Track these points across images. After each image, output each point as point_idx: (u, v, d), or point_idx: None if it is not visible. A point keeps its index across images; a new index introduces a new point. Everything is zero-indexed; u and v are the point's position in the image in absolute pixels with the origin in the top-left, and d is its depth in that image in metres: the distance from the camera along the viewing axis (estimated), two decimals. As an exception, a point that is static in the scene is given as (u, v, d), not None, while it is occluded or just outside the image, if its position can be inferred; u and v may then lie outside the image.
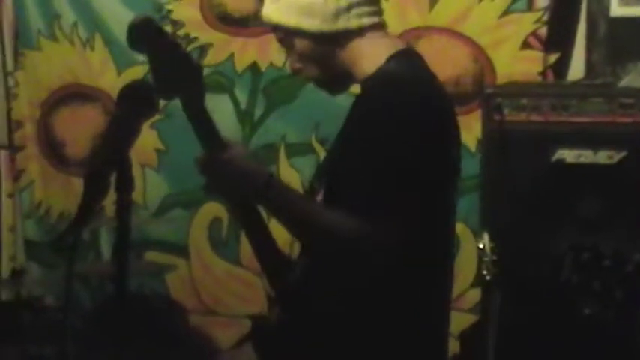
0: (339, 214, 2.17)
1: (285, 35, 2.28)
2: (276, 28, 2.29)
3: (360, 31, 2.25)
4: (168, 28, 2.18)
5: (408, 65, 2.24)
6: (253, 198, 2.19)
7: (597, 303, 2.93)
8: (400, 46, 2.30)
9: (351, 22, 2.25)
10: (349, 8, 2.24)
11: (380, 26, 2.28)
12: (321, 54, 2.28)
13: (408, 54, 2.28)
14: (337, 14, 2.24)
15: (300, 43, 2.27)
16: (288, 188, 2.25)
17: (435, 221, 2.22)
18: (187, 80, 2.11)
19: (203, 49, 3.78)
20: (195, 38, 2.04)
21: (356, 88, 2.27)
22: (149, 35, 2.04)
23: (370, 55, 2.26)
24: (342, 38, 2.25)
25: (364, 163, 2.15)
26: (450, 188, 2.27)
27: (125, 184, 1.94)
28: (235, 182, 2.16)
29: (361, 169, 2.15)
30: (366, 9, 2.26)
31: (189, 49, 3.67)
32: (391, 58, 2.23)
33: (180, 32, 3.66)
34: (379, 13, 2.29)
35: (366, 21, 2.25)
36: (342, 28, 2.24)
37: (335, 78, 2.32)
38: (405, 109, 2.13)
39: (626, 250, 2.92)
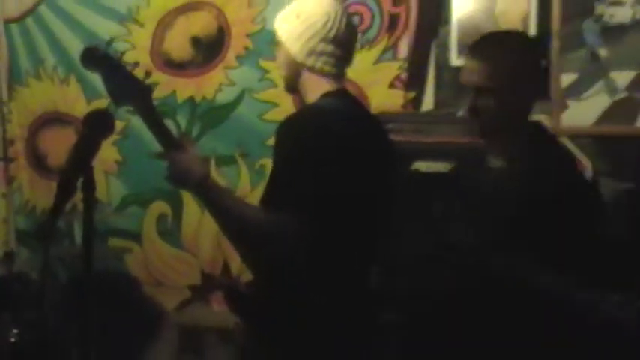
0: (258, 208, 2.17)
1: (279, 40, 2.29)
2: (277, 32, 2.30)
3: (320, 72, 2.25)
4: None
5: (326, 102, 2.23)
6: (192, 190, 2.17)
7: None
8: (337, 87, 2.27)
9: (317, 64, 2.24)
10: (321, 54, 2.23)
11: (337, 76, 2.27)
12: (289, 68, 2.29)
13: (335, 94, 2.26)
14: (310, 54, 2.24)
15: (282, 50, 2.28)
16: (220, 188, 2.21)
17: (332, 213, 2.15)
18: (133, 90, 2.08)
19: (152, 86, 3.72)
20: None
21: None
22: (96, 57, 2.06)
23: (315, 91, 2.26)
24: (305, 70, 2.25)
25: (272, 170, 2.17)
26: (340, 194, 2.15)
27: (89, 186, 1.94)
28: (180, 176, 2.14)
29: (271, 174, 2.18)
30: (332, 60, 2.24)
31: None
32: (323, 96, 2.23)
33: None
34: (341, 66, 2.27)
35: (328, 68, 2.24)
36: (309, 64, 2.24)
37: (292, 90, 2.33)
38: (297, 132, 2.14)
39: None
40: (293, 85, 2.32)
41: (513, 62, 2.21)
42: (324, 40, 2.23)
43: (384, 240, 2.40)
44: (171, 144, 2.14)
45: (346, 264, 2.21)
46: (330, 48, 2.24)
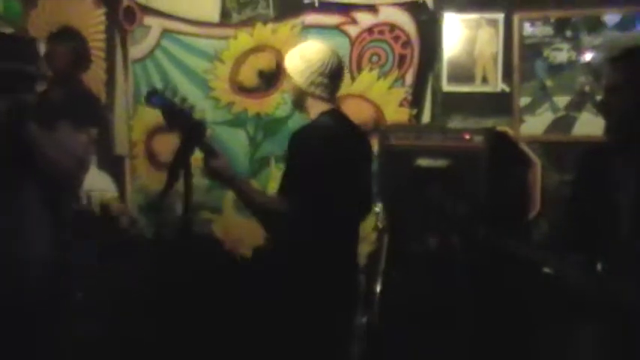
0: (268, 194, 2.31)
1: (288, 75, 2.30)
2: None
3: (319, 97, 2.29)
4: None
5: (322, 119, 2.27)
6: (223, 183, 2.22)
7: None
8: (331, 107, 2.31)
9: (316, 91, 2.28)
10: (319, 85, 2.26)
11: (330, 100, 2.30)
12: (296, 94, 2.31)
13: (330, 113, 2.29)
14: (311, 84, 2.27)
15: (290, 82, 2.31)
16: (243, 182, 2.25)
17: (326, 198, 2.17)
18: (182, 121, 2.07)
19: (230, 104, 3.79)
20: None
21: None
22: (155, 98, 2.06)
23: (315, 110, 2.30)
24: (307, 95, 2.29)
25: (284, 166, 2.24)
26: (330, 182, 2.17)
27: (188, 175, 2.02)
28: (214, 174, 2.21)
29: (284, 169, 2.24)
30: (326, 88, 2.28)
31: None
32: (321, 114, 2.27)
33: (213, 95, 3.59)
34: (333, 93, 2.30)
35: (324, 95, 2.29)
36: (310, 92, 2.28)
37: (299, 109, 2.36)
38: (298, 139, 2.19)
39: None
40: (299, 106, 2.34)
41: None
42: (320, 74, 2.29)
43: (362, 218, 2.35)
44: (210, 154, 2.19)
45: (332, 235, 2.23)
46: (325, 80, 2.30)
